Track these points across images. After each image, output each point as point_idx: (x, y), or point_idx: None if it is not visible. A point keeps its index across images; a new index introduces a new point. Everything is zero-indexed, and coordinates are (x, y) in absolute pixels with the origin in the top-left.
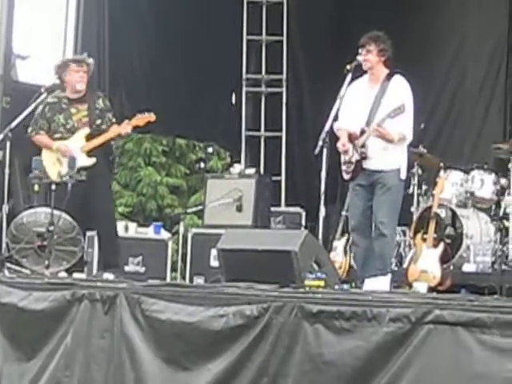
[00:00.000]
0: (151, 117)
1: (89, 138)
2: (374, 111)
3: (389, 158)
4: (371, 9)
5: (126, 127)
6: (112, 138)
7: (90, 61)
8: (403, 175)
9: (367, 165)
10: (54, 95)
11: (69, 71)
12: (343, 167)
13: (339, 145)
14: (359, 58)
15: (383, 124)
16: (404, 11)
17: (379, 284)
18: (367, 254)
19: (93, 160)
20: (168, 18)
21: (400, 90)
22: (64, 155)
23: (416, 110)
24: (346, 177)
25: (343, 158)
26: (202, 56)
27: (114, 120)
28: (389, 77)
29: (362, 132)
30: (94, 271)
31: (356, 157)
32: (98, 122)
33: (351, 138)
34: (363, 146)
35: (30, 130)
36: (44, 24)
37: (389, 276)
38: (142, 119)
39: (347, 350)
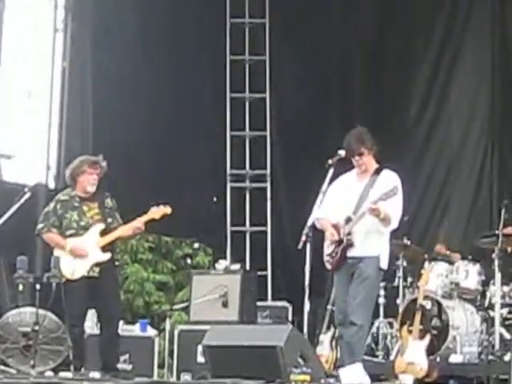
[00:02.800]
0: (167, 209)
1: (102, 233)
2: (362, 201)
3: (370, 244)
4: (351, 106)
5: (139, 223)
6: (127, 237)
7: (104, 164)
8: (383, 264)
9: (351, 253)
10: (65, 193)
11: (83, 173)
12: (327, 258)
13: (328, 234)
14: (341, 152)
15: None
16: (385, 105)
17: (353, 372)
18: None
19: (108, 255)
20: (153, 116)
21: (391, 180)
22: (79, 257)
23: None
24: (330, 267)
25: (328, 248)
26: (185, 153)
27: (121, 221)
28: (378, 171)
29: (348, 220)
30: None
31: (342, 245)
32: (110, 220)
33: (336, 229)
34: (349, 233)
35: (40, 226)
36: (28, 124)
37: (360, 364)
38: (157, 212)
39: None
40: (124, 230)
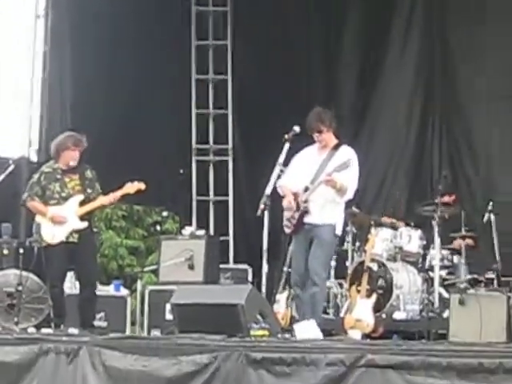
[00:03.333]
0: (141, 185)
1: (81, 204)
2: (319, 173)
3: (326, 213)
4: (308, 87)
5: (115, 196)
6: (103, 206)
7: (86, 143)
8: (338, 231)
9: (308, 219)
10: (48, 165)
11: (67, 148)
12: (285, 223)
13: (285, 202)
14: (296, 128)
15: (333, 175)
16: (338, 85)
17: (307, 327)
18: (305, 303)
19: (85, 224)
20: (126, 95)
21: (347, 154)
22: (58, 223)
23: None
24: (288, 231)
25: (286, 214)
26: (155, 129)
27: (100, 190)
28: (337, 146)
29: (306, 189)
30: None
31: (299, 212)
32: (89, 190)
33: (295, 197)
34: (306, 201)
35: (25, 196)
36: (11, 104)
37: (313, 320)
38: (132, 188)
39: None
40: (101, 202)
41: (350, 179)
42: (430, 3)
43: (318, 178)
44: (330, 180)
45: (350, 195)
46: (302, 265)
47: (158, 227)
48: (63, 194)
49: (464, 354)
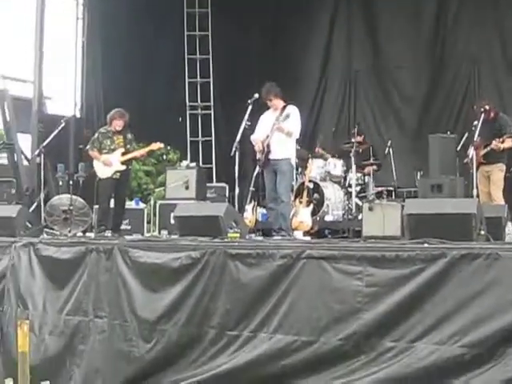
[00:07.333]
0: (160, 145)
1: (123, 154)
2: (275, 125)
3: (283, 150)
4: (265, 66)
5: (144, 152)
6: (136, 157)
7: (127, 115)
8: (293, 162)
9: (271, 156)
10: (104, 128)
11: (114, 119)
12: (258, 162)
13: (256, 147)
14: (256, 95)
15: (280, 124)
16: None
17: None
18: (278, 214)
19: (124, 167)
20: (137, 75)
21: (290, 112)
22: (107, 165)
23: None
24: (261, 167)
25: (258, 155)
26: (164, 95)
27: (136, 147)
28: (284, 107)
29: (267, 137)
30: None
31: (265, 152)
32: (128, 146)
33: (262, 143)
34: (268, 144)
35: (89, 147)
36: (62, 78)
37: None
38: (155, 146)
39: (255, 276)
40: (135, 154)
41: (292, 124)
42: None
43: (274, 129)
44: (279, 127)
45: (296, 135)
46: (270, 188)
47: (164, 157)
48: (112, 147)
49: (372, 249)
